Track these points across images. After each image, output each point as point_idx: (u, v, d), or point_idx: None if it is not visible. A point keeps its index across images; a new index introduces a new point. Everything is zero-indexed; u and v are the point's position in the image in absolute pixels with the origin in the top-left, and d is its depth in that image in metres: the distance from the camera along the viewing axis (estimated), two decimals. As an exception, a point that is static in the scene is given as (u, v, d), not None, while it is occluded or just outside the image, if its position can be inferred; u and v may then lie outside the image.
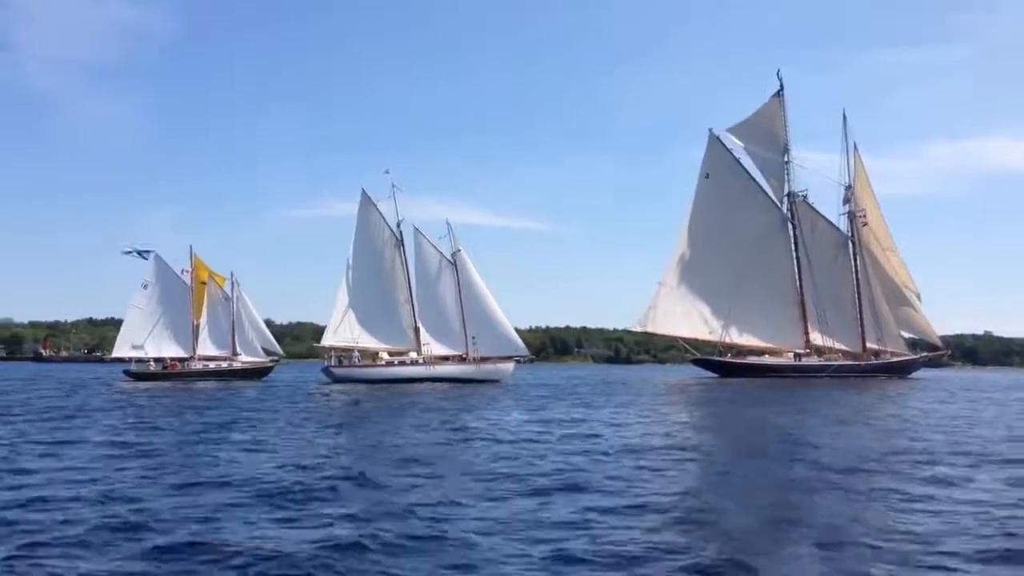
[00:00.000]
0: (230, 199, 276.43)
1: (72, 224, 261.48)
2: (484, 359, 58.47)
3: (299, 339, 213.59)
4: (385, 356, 59.34)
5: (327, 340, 59.08)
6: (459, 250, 59.88)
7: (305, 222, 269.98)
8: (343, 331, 58.50)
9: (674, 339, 78.21)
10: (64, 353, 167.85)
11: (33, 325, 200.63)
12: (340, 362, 58.59)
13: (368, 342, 58.86)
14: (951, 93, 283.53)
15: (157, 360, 61.33)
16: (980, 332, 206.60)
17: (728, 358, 73.19)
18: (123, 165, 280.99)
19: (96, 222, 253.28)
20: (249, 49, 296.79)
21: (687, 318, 73.55)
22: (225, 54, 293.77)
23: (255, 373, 62.61)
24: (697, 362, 75.58)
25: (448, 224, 60.72)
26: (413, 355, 59.19)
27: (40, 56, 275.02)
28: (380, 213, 60.54)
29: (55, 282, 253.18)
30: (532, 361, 68.10)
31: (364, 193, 60.62)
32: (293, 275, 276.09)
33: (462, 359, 58.95)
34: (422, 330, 59.27)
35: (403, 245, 60.59)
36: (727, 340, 73.62)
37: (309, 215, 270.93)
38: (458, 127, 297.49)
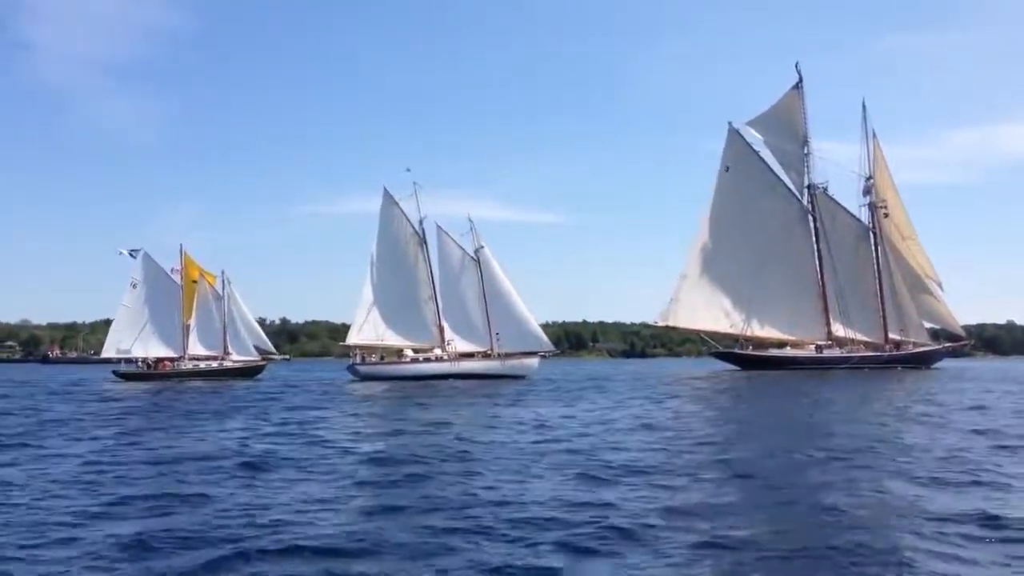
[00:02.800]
0: (250, 197, 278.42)
1: (91, 224, 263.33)
2: (509, 355, 58.62)
3: (314, 337, 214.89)
4: (410, 353, 59.63)
5: (352, 338, 59.40)
6: (482, 246, 60.04)
7: (325, 219, 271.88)
8: (367, 329, 58.82)
9: (696, 333, 78.26)
10: (72, 354, 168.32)
11: (51, 326, 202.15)
12: (364, 360, 58.87)
13: (392, 339, 59.18)
14: (973, 78, 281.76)
15: (143, 360, 61.23)
16: (1002, 321, 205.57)
17: (749, 351, 73.20)
18: (143, 164, 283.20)
19: (115, 222, 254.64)
20: (269, 47, 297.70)
21: (709, 312, 73.64)
22: (245, 51, 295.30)
23: (247, 372, 62.60)
24: (718, 355, 75.71)
25: (470, 220, 60.94)
26: (438, 352, 59.44)
27: (59, 54, 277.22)
28: (402, 211, 60.84)
29: (74, 283, 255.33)
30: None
31: (386, 191, 60.96)
32: (310, 273, 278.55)
33: (486, 355, 59.14)
34: (446, 327, 59.53)
35: (426, 242, 60.88)
36: (748, 333, 73.63)
37: (329, 211, 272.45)
38: (473, 120, 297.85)
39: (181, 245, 63.55)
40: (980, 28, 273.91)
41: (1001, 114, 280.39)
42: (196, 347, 62.58)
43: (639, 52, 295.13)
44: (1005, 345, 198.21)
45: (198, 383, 54.09)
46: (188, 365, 61.61)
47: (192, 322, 62.46)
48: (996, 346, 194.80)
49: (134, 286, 61.58)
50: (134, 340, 60.87)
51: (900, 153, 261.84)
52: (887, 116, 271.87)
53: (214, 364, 62.13)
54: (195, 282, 62.63)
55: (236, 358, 62.73)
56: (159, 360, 61.63)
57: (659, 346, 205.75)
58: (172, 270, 62.46)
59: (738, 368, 71.48)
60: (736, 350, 73.93)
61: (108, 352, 61.76)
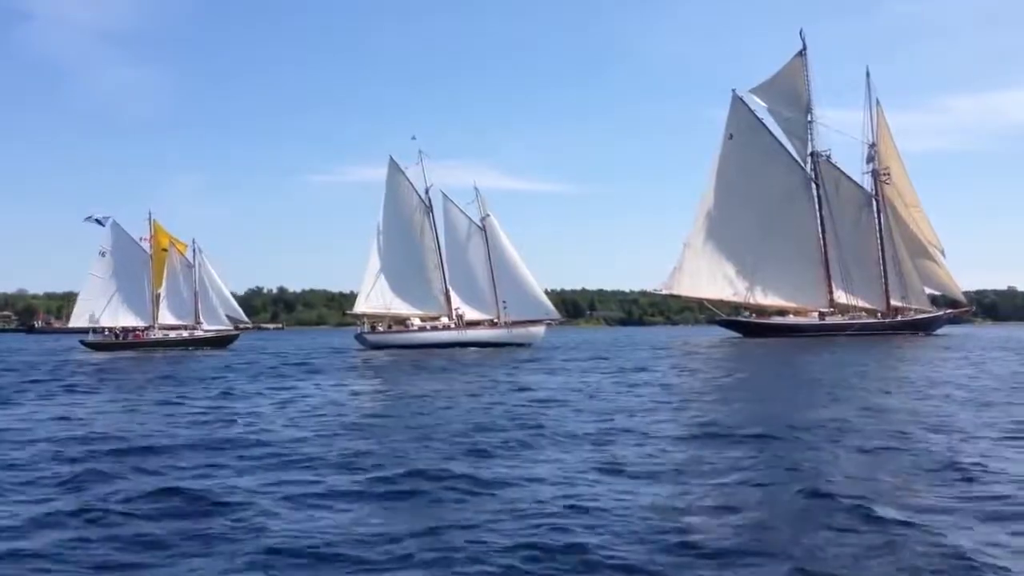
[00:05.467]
0: (251, 168, 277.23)
1: (90, 194, 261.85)
2: (515, 323, 58.90)
3: (310, 306, 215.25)
4: (416, 322, 59.87)
5: (359, 307, 59.55)
6: (488, 215, 60.04)
7: (325, 189, 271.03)
8: (375, 297, 58.99)
9: (699, 301, 78.79)
10: (57, 324, 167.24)
11: (48, 296, 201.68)
12: (373, 328, 59.14)
13: (400, 308, 59.43)
14: (973, 45, 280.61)
15: (125, 330, 61.28)
16: (1003, 287, 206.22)
17: (753, 318, 73.74)
18: (143, 133, 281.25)
19: (114, 191, 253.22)
20: (269, 15, 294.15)
21: (712, 280, 74.00)
22: (245, 20, 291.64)
23: (219, 342, 62.61)
24: (721, 322, 76.24)
25: (476, 189, 61.05)
26: (444, 320, 59.68)
27: (58, 22, 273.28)
28: (408, 179, 60.68)
29: (74, 253, 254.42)
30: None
31: (392, 160, 60.72)
32: (310, 242, 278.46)
33: (492, 323, 59.42)
34: (453, 295, 59.73)
35: (432, 211, 60.91)
36: (752, 301, 74.09)
37: (329, 181, 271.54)
38: (475, 90, 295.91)
39: (150, 213, 63.63)
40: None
41: (1003, 81, 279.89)
42: (166, 316, 62.41)
43: (643, 20, 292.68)
44: (1006, 311, 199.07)
45: (171, 352, 54.16)
46: (157, 334, 61.49)
47: (163, 291, 62.33)
48: (995, 312, 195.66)
49: (103, 255, 61.37)
50: (103, 309, 60.78)
51: (902, 120, 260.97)
52: (890, 83, 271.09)
53: (184, 334, 62.07)
54: (165, 251, 62.35)
55: (207, 327, 62.68)
56: (132, 329, 61.47)
57: (657, 314, 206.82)
58: (141, 239, 62.26)
59: (741, 336, 72.06)
60: (740, 318, 74.47)
61: (77, 321, 61.74)
